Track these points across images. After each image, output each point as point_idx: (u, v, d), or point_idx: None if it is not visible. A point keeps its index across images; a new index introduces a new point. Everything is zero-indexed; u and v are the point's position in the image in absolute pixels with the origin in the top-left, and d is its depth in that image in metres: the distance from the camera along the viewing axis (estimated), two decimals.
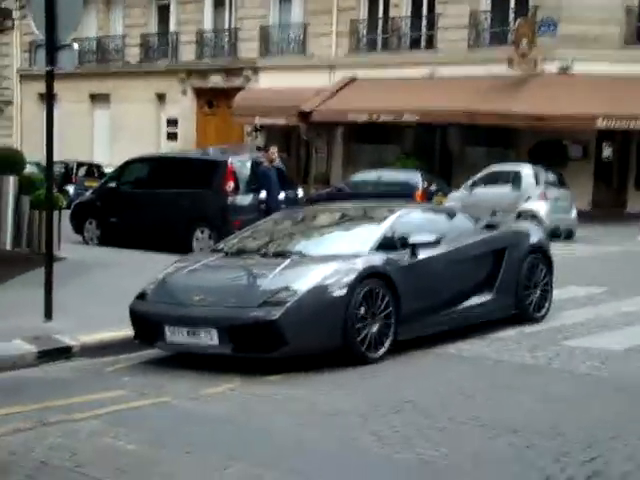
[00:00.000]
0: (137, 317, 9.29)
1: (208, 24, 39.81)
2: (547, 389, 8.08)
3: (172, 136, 40.71)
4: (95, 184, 27.16)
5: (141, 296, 9.47)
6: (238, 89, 37.20)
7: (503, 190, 24.94)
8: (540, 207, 24.28)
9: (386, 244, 9.72)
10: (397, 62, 33.32)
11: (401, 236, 9.87)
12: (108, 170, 28.94)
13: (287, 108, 33.94)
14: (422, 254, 9.77)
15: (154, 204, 19.75)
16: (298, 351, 8.61)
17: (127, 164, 22.20)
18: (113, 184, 21.61)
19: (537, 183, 24.78)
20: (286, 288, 8.68)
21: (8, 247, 15.94)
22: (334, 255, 9.45)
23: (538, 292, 11.30)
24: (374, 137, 34.60)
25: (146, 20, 41.99)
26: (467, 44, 32.15)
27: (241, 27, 38.39)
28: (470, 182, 26.03)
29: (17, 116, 46.56)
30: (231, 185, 19.17)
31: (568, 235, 24.82)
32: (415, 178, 27.05)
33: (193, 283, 9.44)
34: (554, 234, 24.36)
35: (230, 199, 18.98)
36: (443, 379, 8.56)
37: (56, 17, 9.94)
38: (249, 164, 19.87)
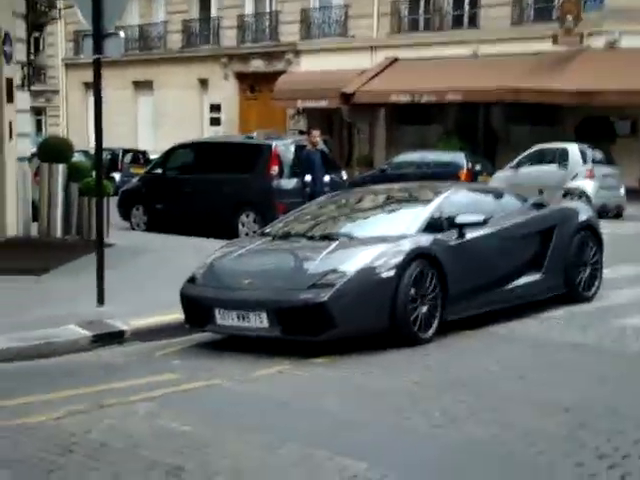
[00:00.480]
0: (187, 301, 9.30)
1: (249, 8, 39.89)
2: (599, 368, 8.07)
3: (215, 121, 40.88)
4: (141, 171, 27.32)
5: (191, 280, 9.47)
6: (280, 73, 37.31)
7: (549, 169, 24.86)
8: (587, 185, 24.11)
9: (433, 225, 9.66)
10: (439, 41, 33.25)
11: (448, 217, 9.78)
12: (154, 156, 29.08)
13: (329, 90, 33.98)
14: (469, 234, 9.71)
15: (200, 189, 19.85)
16: (346, 333, 8.57)
17: (172, 150, 22.31)
18: (159, 170, 21.77)
19: (584, 161, 24.64)
20: (334, 270, 8.64)
21: (59, 234, 16.11)
22: (381, 237, 9.38)
23: (588, 271, 11.15)
24: (416, 118, 34.58)
25: (188, 6, 42.14)
26: (510, 21, 31.98)
27: (282, 10, 38.42)
28: (515, 161, 25.96)
29: (63, 105, 46.99)
30: (275, 169, 19.24)
31: (617, 213, 24.68)
32: (459, 158, 27.07)
33: (242, 267, 9.46)
34: (602, 212, 24.24)
35: (275, 183, 19.05)
36: (493, 359, 8.55)
37: (102, 6, 10.06)
38: (293, 148, 19.90)
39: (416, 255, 8.97)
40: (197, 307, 9.21)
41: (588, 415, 6.52)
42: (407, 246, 9.02)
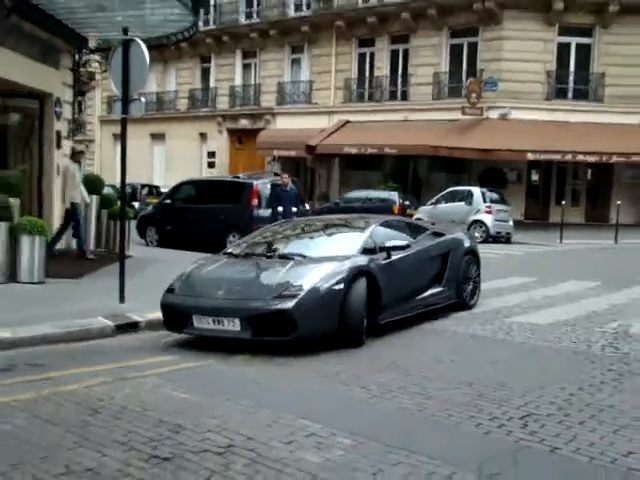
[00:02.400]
0: (167, 308, 8.59)
1: (238, 81, 39.85)
2: (493, 353, 8.14)
3: (211, 165, 40.77)
4: (154, 201, 27.18)
5: (170, 291, 8.75)
6: (261, 129, 37.28)
7: (459, 205, 25.13)
8: (486, 218, 24.51)
9: (368, 248, 9.15)
10: (380, 109, 33.45)
11: (379, 241, 9.34)
12: (164, 190, 28.94)
13: (297, 143, 34.00)
14: (394, 256, 9.31)
15: (198, 215, 19.80)
16: (306, 334, 7.95)
17: (178, 185, 22.24)
18: (168, 201, 21.63)
19: (484, 200, 24.97)
20: (295, 284, 8.02)
21: (92, 248, 16.01)
22: (329, 257, 8.78)
23: (471, 285, 11.00)
24: (362, 165, 34.70)
25: (192, 79, 42.09)
26: (432, 96, 32.20)
27: (263, 83, 38.46)
28: (434, 199, 26.20)
29: (97, 151, 46.76)
30: (255, 202, 19.31)
31: (507, 239, 24.98)
32: (393, 196, 27.24)
33: (214, 280, 8.59)
34: (497, 238, 24.54)
35: (255, 212, 19.09)
36: (418, 347, 8.58)
37: (129, 78, 10.04)
38: (269, 186, 19.92)
39: (358, 272, 8.45)
40: (176, 313, 8.44)
41: (485, 388, 6.58)
42: (351, 264, 8.50)
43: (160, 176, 41.14)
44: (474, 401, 6.18)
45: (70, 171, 15.24)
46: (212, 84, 41.24)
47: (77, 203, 15.08)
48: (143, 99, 10.82)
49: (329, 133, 34.10)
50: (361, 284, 8.38)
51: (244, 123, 38.98)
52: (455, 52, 32.07)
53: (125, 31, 10.34)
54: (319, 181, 36.56)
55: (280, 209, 18.44)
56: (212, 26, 39.79)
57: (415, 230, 11.02)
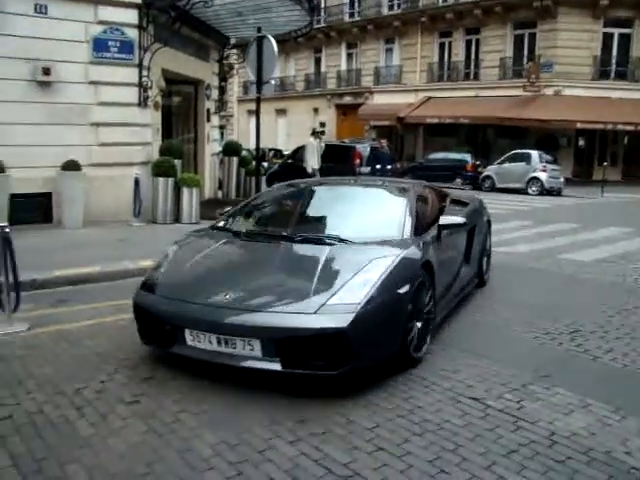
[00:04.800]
0: (145, 314, 4.56)
1: (343, 67, 39.31)
2: (548, 283, 7.92)
3: (322, 133, 40.62)
4: (279, 161, 27.39)
5: (148, 288, 4.66)
6: (361, 104, 36.78)
7: (520, 165, 24.33)
8: (542, 175, 23.68)
9: (417, 226, 5.23)
10: (456, 87, 32.40)
11: (421, 214, 5.49)
12: (286, 152, 29.15)
13: (389, 115, 33.42)
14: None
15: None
16: (364, 363, 4.20)
17: (296, 149, 22.32)
18: (290, 160, 21.77)
19: (540, 161, 24.07)
20: (347, 287, 4.18)
21: (233, 197, 16.38)
22: (376, 241, 4.86)
23: (485, 259, 7.54)
24: (441, 132, 33.75)
25: (307, 66, 41.75)
26: (498, 77, 30.95)
27: (362, 68, 37.81)
28: (500, 160, 25.43)
29: (235, 123, 47.43)
30: (358, 161, 19.20)
31: (558, 192, 24.04)
32: (467, 157, 26.56)
33: (215, 275, 4.73)
34: (550, 191, 23.76)
35: (358, 169, 19.01)
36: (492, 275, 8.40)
37: (261, 67, 10.11)
38: (369, 149, 19.77)
39: (423, 263, 4.78)
40: (159, 323, 4.44)
41: (542, 309, 6.46)
42: (418, 255, 4.76)
43: (283, 142, 41.28)
44: (533, 321, 6.05)
45: (312, 144, 15.53)
46: (323, 69, 40.79)
47: (316, 169, 15.40)
48: (273, 82, 10.87)
49: (415, 107, 33.31)
50: (423, 281, 4.73)
51: (348, 100, 38.53)
52: (517, 41, 30.55)
53: (259, 30, 10.39)
54: (407, 145, 35.97)
55: (378, 166, 18.34)
56: (322, 24, 39.18)
57: (443, 198, 6.80)
